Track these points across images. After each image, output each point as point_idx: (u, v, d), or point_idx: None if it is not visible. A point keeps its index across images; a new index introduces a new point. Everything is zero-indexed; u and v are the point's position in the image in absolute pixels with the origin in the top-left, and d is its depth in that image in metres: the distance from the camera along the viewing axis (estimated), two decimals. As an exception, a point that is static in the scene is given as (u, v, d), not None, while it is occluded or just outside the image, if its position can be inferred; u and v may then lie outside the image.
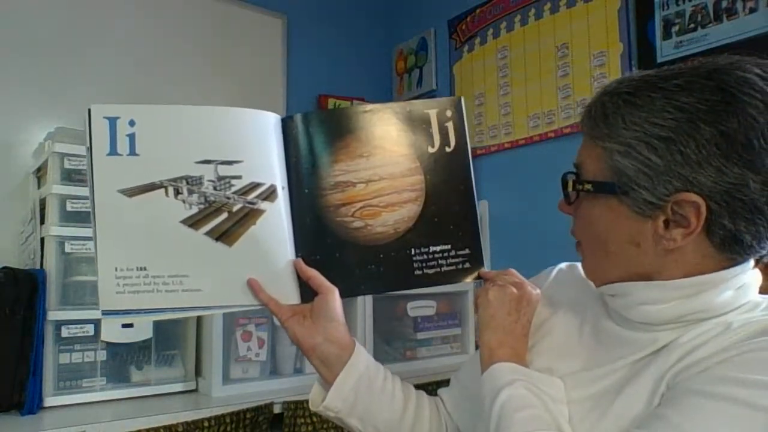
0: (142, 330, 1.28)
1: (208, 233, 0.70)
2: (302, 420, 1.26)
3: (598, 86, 1.61)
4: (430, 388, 0.99)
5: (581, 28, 1.69)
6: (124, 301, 0.67)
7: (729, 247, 0.57)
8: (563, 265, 0.79)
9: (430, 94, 2.17)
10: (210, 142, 0.71)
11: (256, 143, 0.73)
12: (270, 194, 0.72)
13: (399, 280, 0.77)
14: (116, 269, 0.67)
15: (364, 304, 1.50)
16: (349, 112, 0.77)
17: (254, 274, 0.72)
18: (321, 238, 0.75)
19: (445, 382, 0.84)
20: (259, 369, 1.38)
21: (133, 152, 0.69)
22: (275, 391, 1.33)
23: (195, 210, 0.70)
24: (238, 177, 0.71)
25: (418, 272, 0.76)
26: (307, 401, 0.76)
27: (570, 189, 0.64)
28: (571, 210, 0.67)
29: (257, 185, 0.72)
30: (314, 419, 1.26)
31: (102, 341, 1.24)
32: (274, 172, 0.73)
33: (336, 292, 0.73)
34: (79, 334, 1.22)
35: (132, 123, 0.69)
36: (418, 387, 0.82)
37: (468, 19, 2.04)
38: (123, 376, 1.28)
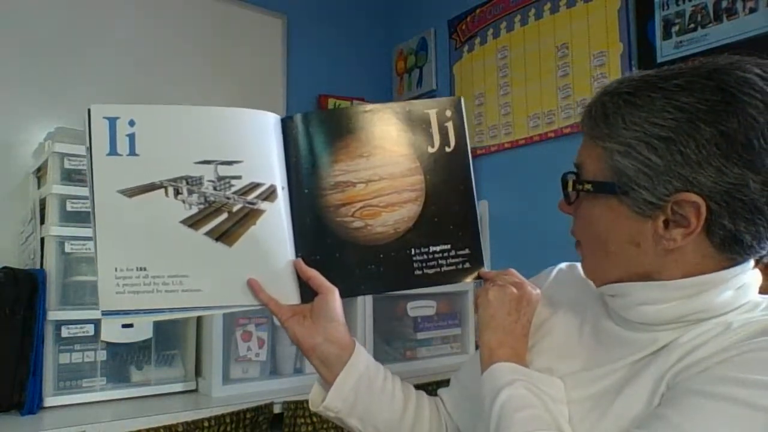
0: (142, 330, 1.27)
1: (208, 233, 0.70)
2: (302, 420, 1.26)
3: (598, 86, 1.61)
4: (430, 388, 0.99)
5: (581, 28, 1.69)
6: (124, 301, 0.67)
7: (729, 247, 0.57)
8: (563, 265, 0.79)
9: (430, 94, 2.17)
10: (210, 142, 0.71)
11: (256, 143, 0.73)
12: (270, 194, 0.72)
13: (399, 280, 0.77)
14: (116, 269, 0.67)
15: (364, 304, 1.50)
16: (349, 112, 0.77)
17: (254, 274, 0.72)
18: (321, 238, 0.75)
19: (445, 382, 0.84)
20: (259, 369, 1.38)
21: (132, 152, 0.69)
22: (275, 391, 1.33)
23: (195, 210, 0.70)
24: (238, 177, 0.71)
25: (418, 272, 0.76)
26: (307, 401, 0.76)
27: (570, 189, 0.64)
28: (571, 210, 0.67)
29: (257, 185, 0.72)
30: (314, 419, 1.26)
31: (102, 341, 1.24)
32: (274, 173, 0.73)
33: (336, 292, 0.73)
34: (79, 334, 1.22)
35: (132, 123, 0.69)
36: (418, 387, 0.82)
37: (468, 19, 2.04)
38: (123, 376, 1.28)
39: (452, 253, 0.77)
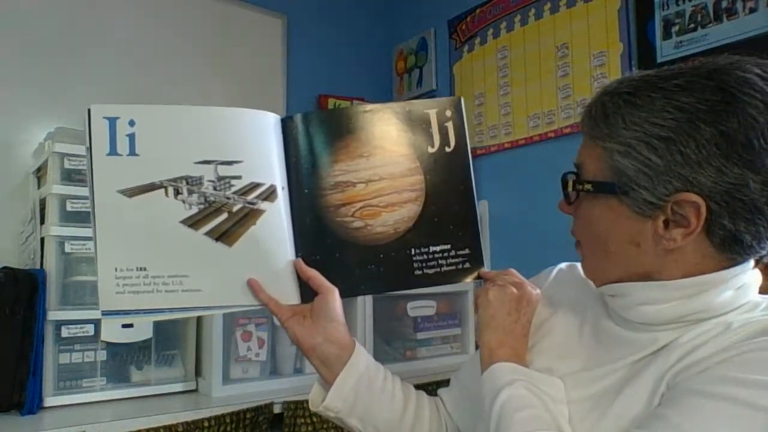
0: (142, 330, 1.27)
1: (208, 233, 0.70)
2: (302, 420, 1.26)
3: (598, 86, 1.61)
4: (430, 388, 0.99)
5: (581, 28, 1.69)
6: (124, 301, 0.67)
7: (729, 247, 0.57)
8: (563, 265, 0.79)
9: (430, 94, 2.17)
10: (210, 142, 0.71)
11: (256, 143, 0.73)
12: (270, 194, 0.72)
13: (399, 280, 0.77)
14: (116, 269, 0.67)
15: (364, 304, 1.50)
16: (349, 112, 0.77)
17: (254, 274, 0.72)
18: (321, 238, 0.75)
19: (445, 382, 0.84)
20: (259, 369, 1.38)
21: (132, 152, 0.69)
22: (275, 391, 1.33)
23: (195, 210, 0.70)
24: (238, 177, 0.71)
25: (418, 272, 0.76)
26: (307, 401, 0.76)
27: (570, 189, 0.64)
28: (571, 210, 0.67)
29: (257, 185, 0.72)
30: (314, 419, 1.26)
31: (102, 341, 1.24)
32: (274, 173, 0.73)
33: (336, 292, 0.73)
34: (79, 334, 1.22)
35: (132, 123, 0.69)
36: (418, 387, 0.82)
37: (468, 19, 2.04)
38: (123, 376, 1.28)
39: (452, 253, 0.77)
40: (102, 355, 1.25)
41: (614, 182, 0.59)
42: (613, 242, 0.62)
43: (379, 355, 1.49)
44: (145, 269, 0.68)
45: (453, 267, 0.77)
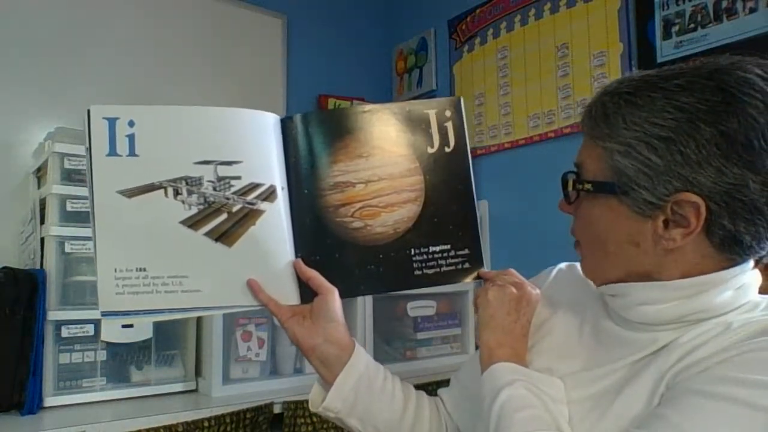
0: (142, 330, 1.28)
1: (208, 234, 0.70)
2: (302, 420, 1.26)
3: (598, 86, 1.61)
4: (430, 388, 0.99)
5: (581, 28, 1.69)
6: (123, 301, 0.67)
7: (729, 247, 0.57)
8: (563, 265, 0.79)
9: (430, 94, 2.17)
10: (209, 142, 0.71)
11: (256, 144, 0.73)
12: (269, 195, 0.72)
13: (399, 281, 0.76)
14: (116, 270, 0.67)
15: (364, 304, 1.50)
16: (349, 113, 0.77)
17: (254, 274, 0.72)
18: (320, 239, 0.75)
19: (445, 382, 0.84)
20: (259, 369, 1.38)
21: (132, 153, 0.69)
22: (275, 391, 1.33)
23: (194, 210, 0.70)
24: (238, 177, 0.71)
25: (417, 272, 0.76)
26: (307, 401, 0.76)
27: (570, 189, 0.64)
28: (571, 210, 0.67)
29: (257, 186, 0.72)
30: (314, 419, 1.26)
31: (102, 341, 1.24)
32: (274, 173, 0.73)
33: (336, 292, 0.73)
34: (79, 334, 1.22)
35: (131, 123, 0.69)
36: (418, 387, 0.82)
37: (468, 19, 2.04)
38: (123, 376, 1.28)
39: (452, 253, 0.77)
40: (102, 355, 1.25)
41: (614, 182, 0.60)
42: (612, 242, 0.62)
43: (379, 355, 1.49)
44: (144, 270, 0.68)
45: (453, 267, 0.77)
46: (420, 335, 1.64)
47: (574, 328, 0.69)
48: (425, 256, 0.76)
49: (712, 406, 0.50)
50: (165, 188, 0.69)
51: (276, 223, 0.73)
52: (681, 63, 0.61)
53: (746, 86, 0.55)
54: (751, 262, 0.60)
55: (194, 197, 0.70)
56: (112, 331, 1.24)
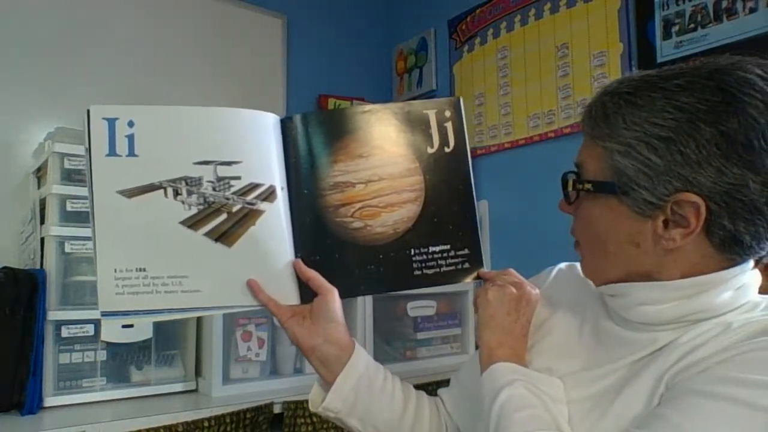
0: (142, 330, 1.28)
1: (208, 234, 0.70)
2: (302, 420, 1.26)
3: (598, 86, 1.61)
4: (430, 388, 0.99)
5: (581, 28, 1.69)
6: (123, 302, 0.67)
7: (728, 247, 0.57)
8: (563, 265, 0.79)
9: (430, 94, 2.17)
10: (209, 142, 0.71)
11: (255, 144, 0.73)
12: (269, 195, 0.72)
13: (398, 281, 0.76)
14: (115, 270, 0.67)
15: (364, 304, 1.50)
16: (348, 113, 0.77)
17: (254, 274, 0.72)
18: (320, 239, 0.75)
19: (445, 382, 0.84)
20: (259, 369, 1.38)
21: (132, 153, 0.69)
22: (275, 391, 1.33)
23: (194, 211, 0.70)
24: (237, 178, 0.71)
25: (417, 272, 0.76)
26: (307, 401, 0.76)
27: (570, 188, 0.64)
28: (571, 210, 0.67)
29: (256, 186, 0.72)
30: (314, 419, 1.26)
31: (102, 341, 1.24)
32: (274, 173, 0.73)
33: (335, 292, 0.73)
34: (79, 334, 1.22)
35: (131, 124, 0.69)
36: (418, 387, 0.82)
37: (468, 19, 2.04)
38: (123, 376, 1.28)
39: (452, 253, 0.77)
40: (102, 355, 1.25)
41: (614, 182, 0.59)
42: (612, 242, 0.62)
43: (379, 355, 1.49)
44: (144, 270, 0.68)
45: (452, 267, 0.77)
46: (420, 335, 1.64)
47: (574, 328, 0.69)
48: (425, 256, 0.76)
49: (712, 406, 0.50)
50: (165, 188, 0.69)
51: (276, 223, 0.73)
52: (681, 63, 0.61)
53: (746, 86, 0.55)
54: (751, 262, 0.60)
55: (194, 197, 0.70)
56: (112, 331, 1.24)
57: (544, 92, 1.78)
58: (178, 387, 1.32)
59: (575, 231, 0.68)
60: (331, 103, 2.12)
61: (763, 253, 0.59)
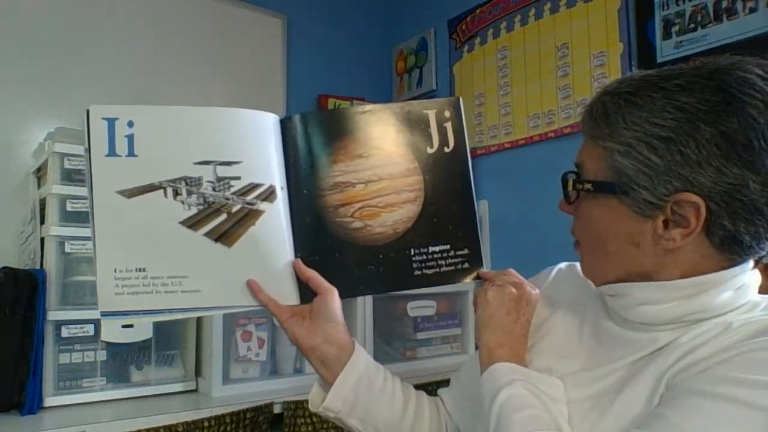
0: (142, 330, 1.28)
1: (208, 234, 0.70)
2: (302, 420, 1.26)
3: (598, 86, 1.61)
4: (430, 388, 0.98)
5: (581, 28, 1.69)
6: (123, 302, 0.67)
7: (728, 247, 0.57)
8: (562, 264, 0.79)
9: (430, 94, 2.16)
10: (209, 142, 0.71)
11: (255, 144, 0.73)
12: (269, 195, 0.72)
13: (398, 281, 0.76)
14: (115, 270, 0.67)
15: (364, 304, 1.50)
16: (348, 113, 0.77)
17: (253, 274, 0.72)
18: (320, 239, 0.75)
19: (445, 382, 0.84)
20: (259, 369, 1.38)
21: (131, 153, 0.69)
22: (275, 391, 1.33)
23: (194, 211, 0.70)
24: (237, 178, 0.71)
25: (417, 272, 0.76)
26: (307, 401, 0.76)
27: (570, 188, 0.64)
28: (571, 209, 0.67)
29: (256, 186, 0.72)
30: (314, 419, 1.26)
31: (102, 341, 1.24)
32: (273, 173, 0.73)
33: (335, 292, 0.73)
34: (79, 334, 1.22)
35: (131, 124, 0.69)
36: (418, 387, 0.82)
37: (468, 19, 2.04)
38: (123, 376, 1.28)
39: (451, 253, 0.77)
40: (102, 355, 1.25)
41: (614, 182, 0.59)
42: (612, 242, 0.62)
43: (379, 355, 1.49)
44: (144, 270, 0.68)
45: (452, 267, 0.77)
46: (420, 335, 1.64)
47: (573, 328, 0.69)
48: (425, 256, 0.76)
49: (712, 406, 0.50)
50: (164, 188, 0.69)
51: (275, 223, 0.73)
52: (681, 63, 0.61)
53: (746, 86, 0.55)
54: (751, 262, 0.60)
55: (194, 197, 0.70)
56: (112, 331, 1.24)
57: (544, 92, 1.78)
58: (178, 387, 1.32)
59: (575, 231, 0.68)
60: (331, 103, 2.12)
61: (763, 253, 0.59)
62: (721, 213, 0.55)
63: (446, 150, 0.77)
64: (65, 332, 1.21)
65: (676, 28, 1.48)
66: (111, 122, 0.68)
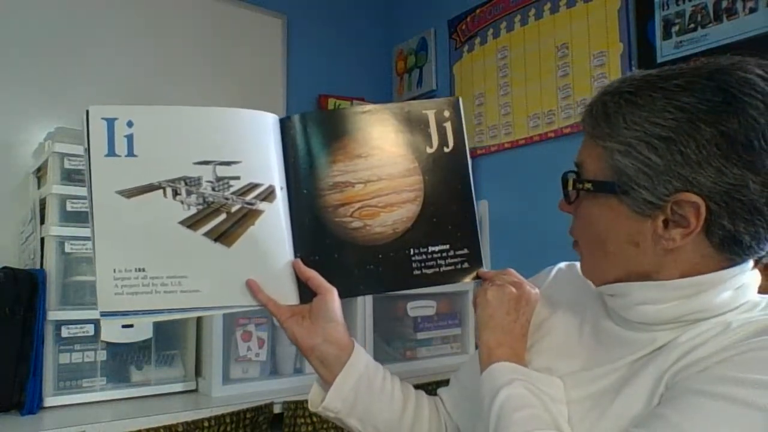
0: (142, 330, 1.28)
1: (207, 234, 0.70)
2: (302, 420, 1.26)
3: (598, 86, 1.61)
4: (430, 388, 0.98)
5: (581, 28, 1.69)
6: (122, 302, 0.67)
7: (728, 247, 0.57)
8: (562, 264, 0.79)
9: (430, 95, 2.16)
10: (208, 142, 0.71)
11: (255, 144, 0.73)
12: (268, 195, 0.72)
13: (398, 281, 0.76)
14: (115, 270, 0.67)
15: (364, 304, 1.50)
16: (348, 113, 0.77)
17: (253, 274, 0.71)
18: (320, 239, 0.75)
19: (445, 382, 0.84)
20: (259, 369, 1.38)
21: (131, 153, 0.69)
22: (275, 391, 1.33)
23: (193, 211, 0.70)
24: (237, 178, 0.71)
25: (416, 272, 0.76)
26: (307, 401, 0.76)
27: (570, 188, 0.64)
28: (571, 209, 0.67)
29: (256, 186, 0.72)
30: (314, 419, 1.26)
31: (102, 341, 1.24)
32: (273, 173, 0.73)
33: (335, 292, 0.73)
34: (79, 334, 1.22)
35: (130, 124, 0.69)
36: (418, 387, 0.82)
37: (468, 19, 2.04)
38: (123, 376, 1.28)
39: (451, 253, 0.77)
40: (102, 355, 1.25)
41: (614, 182, 0.59)
42: (612, 242, 0.62)
43: (379, 355, 1.49)
44: (143, 270, 0.68)
45: (452, 267, 0.77)
46: (420, 335, 1.64)
47: (573, 327, 0.69)
48: (424, 256, 0.76)
49: (711, 405, 0.50)
50: (164, 188, 0.69)
51: (275, 223, 0.73)
52: (681, 63, 0.61)
53: (747, 87, 0.55)
54: (751, 262, 0.60)
55: (193, 197, 0.70)
56: (112, 331, 1.24)
57: (544, 92, 1.78)
58: (178, 387, 1.32)
59: (574, 231, 0.68)
60: (331, 103, 2.12)
61: (763, 253, 0.59)
62: (721, 213, 0.55)
63: (446, 150, 0.77)
64: (65, 332, 1.21)
65: (676, 28, 1.48)
66: (110, 122, 0.68)
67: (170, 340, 1.34)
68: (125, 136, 0.68)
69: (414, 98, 2.15)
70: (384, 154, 0.76)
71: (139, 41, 1.78)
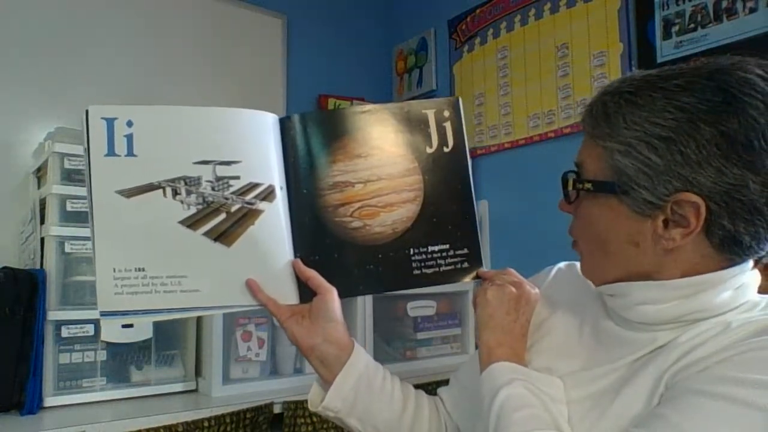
0: (142, 330, 1.28)
1: (207, 234, 0.70)
2: (302, 420, 1.26)
3: (598, 86, 1.61)
4: (430, 388, 0.98)
5: (581, 28, 1.69)
6: (122, 302, 0.67)
7: (728, 247, 0.57)
8: (562, 264, 0.79)
9: (430, 94, 2.16)
10: (208, 142, 0.71)
11: (254, 144, 0.73)
12: (268, 194, 0.72)
13: (398, 280, 0.76)
14: (114, 270, 0.67)
15: (364, 304, 1.50)
16: (347, 113, 0.77)
17: (253, 274, 0.71)
18: (319, 239, 0.75)
19: (445, 382, 0.84)
20: (259, 369, 1.38)
21: (131, 153, 0.69)
22: (275, 391, 1.33)
23: (193, 210, 0.70)
24: (237, 177, 0.71)
25: (416, 272, 0.76)
26: (307, 401, 0.76)
27: (570, 188, 0.64)
28: (571, 209, 0.67)
29: (255, 185, 0.72)
30: (314, 419, 1.26)
31: (102, 341, 1.24)
32: (273, 173, 0.73)
33: (335, 292, 0.73)
34: (79, 334, 1.22)
35: (130, 124, 0.69)
36: (418, 387, 0.82)
37: (468, 19, 2.04)
38: (123, 376, 1.28)
39: (451, 252, 0.77)
40: (102, 355, 1.25)
41: (614, 182, 0.59)
42: (612, 242, 0.62)
43: (379, 355, 1.49)
44: (143, 270, 0.68)
45: (452, 267, 0.77)
46: (420, 335, 1.64)
47: (573, 327, 0.68)
48: (424, 256, 0.76)
49: (711, 405, 0.50)
50: (164, 188, 0.69)
51: (275, 222, 0.73)
52: (681, 63, 0.61)
53: (747, 87, 0.55)
54: (751, 262, 0.60)
55: (193, 197, 0.70)
56: (112, 331, 1.24)
57: (544, 92, 1.77)
58: (178, 387, 1.32)
59: (574, 231, 0.68)
60: (331, 103, 2.12)
61: (763, 253, 0.59)
62: (721, 213, 0.55)
63: (445, 150, 0.77)
64: (65, 332, 1.21)
65: (676, 28, 1.48)
66: (110, 122, 0.68)
67: (170, 340, 1.34)
68: (125, 136, 0.68)
69: (414, 98, 2.15)
70: (384, 153, 0.76)
71: (139, 41, 1.78)
